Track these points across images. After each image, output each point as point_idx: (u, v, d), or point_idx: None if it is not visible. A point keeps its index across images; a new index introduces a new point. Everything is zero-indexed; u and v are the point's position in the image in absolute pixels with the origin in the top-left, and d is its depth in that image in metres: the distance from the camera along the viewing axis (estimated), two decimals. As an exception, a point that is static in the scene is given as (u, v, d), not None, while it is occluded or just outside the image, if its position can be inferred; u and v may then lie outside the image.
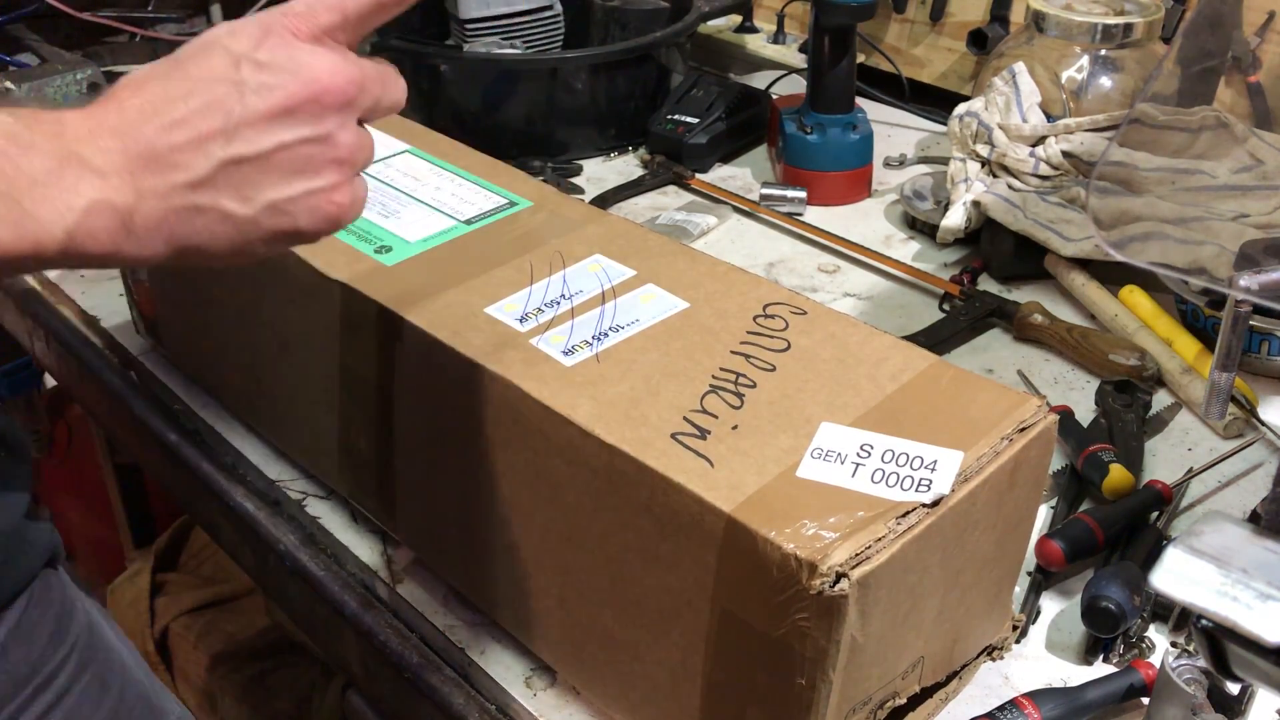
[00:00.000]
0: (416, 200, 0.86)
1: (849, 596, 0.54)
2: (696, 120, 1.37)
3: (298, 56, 0.53)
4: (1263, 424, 0.93)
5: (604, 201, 1.29)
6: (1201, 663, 0.57)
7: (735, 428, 0.63)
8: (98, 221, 0.49)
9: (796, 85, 1.46)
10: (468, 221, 0.83)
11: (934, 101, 1.50)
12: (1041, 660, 0.75)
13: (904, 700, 0.65)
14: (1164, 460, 0.91)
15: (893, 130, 1.46)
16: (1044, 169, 1.17)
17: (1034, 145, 1.18)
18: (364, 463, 0.83)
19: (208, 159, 0.51)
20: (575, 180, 1.36)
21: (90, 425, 1.63)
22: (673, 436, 0.62)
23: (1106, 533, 0.81)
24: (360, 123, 0.56)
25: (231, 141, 0.52)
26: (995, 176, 1.19)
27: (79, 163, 0.49)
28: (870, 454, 0.61)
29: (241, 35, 0.53)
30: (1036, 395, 0.67)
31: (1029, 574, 0.80)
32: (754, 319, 0.72)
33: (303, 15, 0.54)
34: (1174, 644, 0.59)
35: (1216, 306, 0.99)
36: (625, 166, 1.40)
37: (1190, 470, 0.89)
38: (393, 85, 0.57)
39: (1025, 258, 1.13)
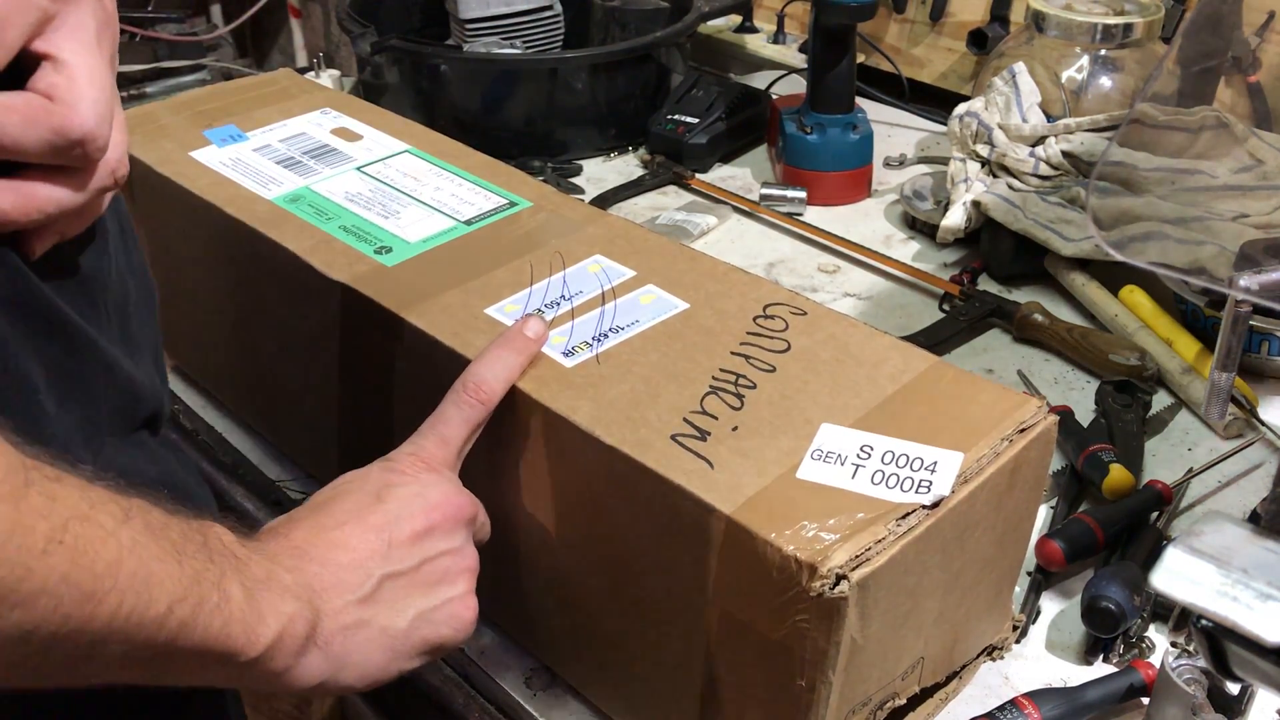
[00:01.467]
0: (416, 201, 0.86)
1: (849, 598, 0.54)
2: (696, 120, 1.37)
3: (426, 484, 0.61)
4: (1263, 424, 0.93)
5: (604, 201, 1.29)
6: (1201, 663, 0.57)
7: (735, 429, 0.63)
8: (297, 629, 0.51)
9: (796, 85, 1.46)
10: (468, 222, 0.83)
11: (934, 101, 1.50)
12: (1041, 660, 0.75)
13: (904, 701, 0.65)
14: (1164, 460, 0.91)
15: (893, 130, 1.46)
16: (1044, 169, 1.17)
17: (1034, 145, 1.18)
18: (364, 463, 0.83)
19: (370, 576, 0.56)
20: (575, 180, 1.36)
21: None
22: (673, 438, 0.62)
23: (1106, 533, 0.81)
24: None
25: (388, 559, 0.57)
26: (995, 176, 1.19)
27: (280, 578, 0.52)
28: (870, 455, 0.61)
29: (372, 476, 0.61)
30: (1036, 395, 0.67)
31: (1029, 574, 0.80)
32: (754, 320, 0.72)
33: (417, 453, 0.62)
34: (1174, 644, 0.59)
35: (1216, 306, 0.99)
36: (625, 166, 1.40)
37: (1190, 470, 0.89)
38: (484, 515, 0.65)
39: (1025, 258, 1.13)
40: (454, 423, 0.64)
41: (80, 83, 0.47)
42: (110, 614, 0.43)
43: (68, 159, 0.48)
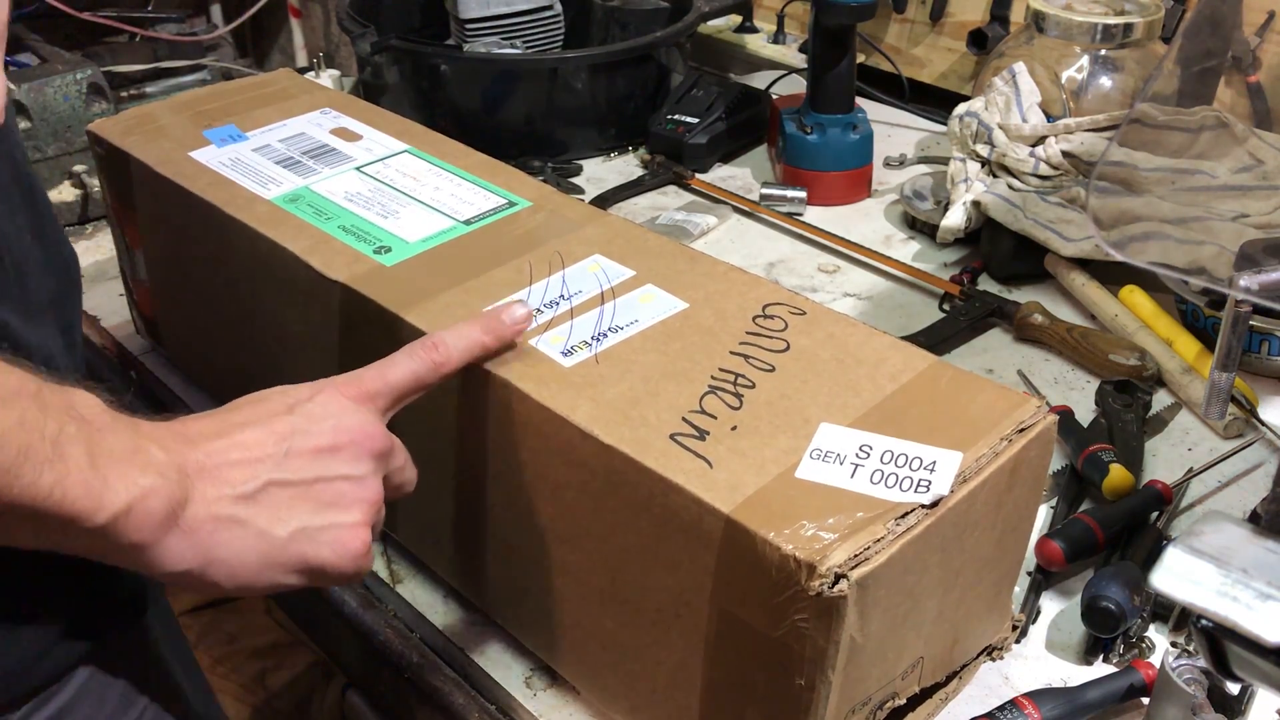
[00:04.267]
0: (416, 200, 0.86)
1: (848, 597, 0.54)
2: (696, 120, 1.37)
3: (347, 408, 0.59)
4: (1263, 424, 0.93)
5: (604, 201, 1.29)
6: (1201, 663, 0.57)
7: (734, 428, 0.63)
8: (152, 505, 0.51)
9: (796, 85, 1.46)
10: (467, 222, 0.83)
11: (934, 101, 1.50)
12: (1041, 660, 0.75)
13: (903, 701, 0.65)
14: (1164, 460, 0.91)
15: (893, 130, 1.45)
16: (1044, 169, 1.17)
17: (1034, 145, 1.18)
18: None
19: (256, 478, 0.55)
20: (575, 180, 1.36)
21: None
22: (672, 437, 0.62)
23: (1106, 533, 0.81)
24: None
25: (280, 467, 0.56)
26: (995, 176, 1.19)
27: (146, 453, 0.52)
28: (869, 455, 0.61)
29: (297, 390, 0.59)
30: (1036, 395, 0.67)
31: (1029, 574, 0.80)
32: (753, 319, 0.72)
33: (350, 381, 0.61)
34: (1174, 644, 0.59)
35: (1216, 306, 0.99)
36: (625, 166, 1.40)
37: (1190, 470, 0.89)
38: (410, 463, 0.64)
39: (1025, 258, 1.13)
40: (399, 368, 0.63)
41: None
42: None
43: None
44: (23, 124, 1.30)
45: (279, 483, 0.56)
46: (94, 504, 0.49)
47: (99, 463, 0.49)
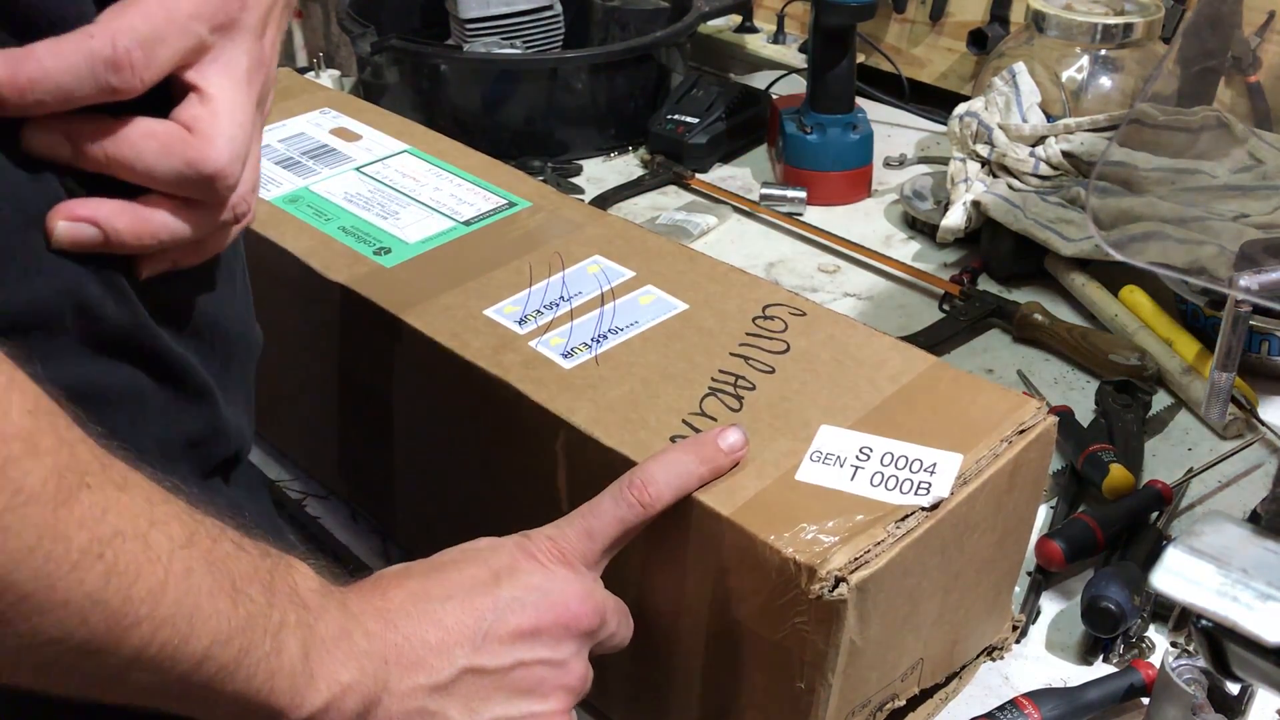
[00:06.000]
0: (416, 201, 0.86)
1: (848, 601, 0.54)
2: (696, 120, 1.37)
3: (553, 578, 0.55)
4: (1263, 424, 0.93)
5: (604, 201, 1.29)
6: (1201, 663, 0.57)
7: (734, 430, 0.63)
8: (349, 703, 0.48)
9: (796, 85, 1.46)
10: (467, 223, 0.83)
11: (934, 101, 1.49)
12: (1041, 660, 0.75)
13: (903, 702, 0.65)
14: (1164, 460, 0.91)
15: (893, 130, 1.45)
16: (1044, 169, 1.17)
17: (1034, 145, 1.18)
18: (363, 464, 0.83)
19: (452, 665, 0.52)
20: (575, 180, 1.36)
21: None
22: (672, 439, 0.62)
23: (1106, 533, 0.81)
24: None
25: (478, 651, 0.52)
26: (995, 176, 1.19)
27: (351, 639, 0.49)
28: (869, 457, 0.61)
29: (502, 551, 0.56)
30: (1036, 396, 0.67)
31: (1029, 574, 0.80)
32: (753, 320, 0.72)
33: (553, 542, 0.57)
34: (1174, 644, 0.59)
35: (1216, 306, 0.99)
36: (625, 166, 1.40)
37: (1190, 470, 0.88)
38: (626, 622, 0.59)
39: (1025, 258, 1.13)
40: (606, 518, 0.58)
41: (222, 118, 0.46)
42: (143, 641, 0.40)
43: (195, 192, 0.47)
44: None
45: (475, 670, 0.52)
46: (296, 700, 0.46)
47: (311, 656, 0.46)
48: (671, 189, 1.34)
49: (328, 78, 1.51)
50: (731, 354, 0.68)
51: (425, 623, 0.52)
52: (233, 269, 0.57)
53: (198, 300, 0.53)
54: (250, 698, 0.44)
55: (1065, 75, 1.23)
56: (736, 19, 1.66)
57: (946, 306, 1.10)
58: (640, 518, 0.58)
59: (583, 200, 1.26)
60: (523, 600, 0.54)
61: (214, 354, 0.55)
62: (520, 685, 0.54)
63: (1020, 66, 1.22)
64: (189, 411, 0.51)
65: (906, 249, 1.22)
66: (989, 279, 1.15)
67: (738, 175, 1.38)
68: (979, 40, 1.44)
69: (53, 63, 0.41)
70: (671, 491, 0.58)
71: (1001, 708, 0.69)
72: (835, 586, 0.54)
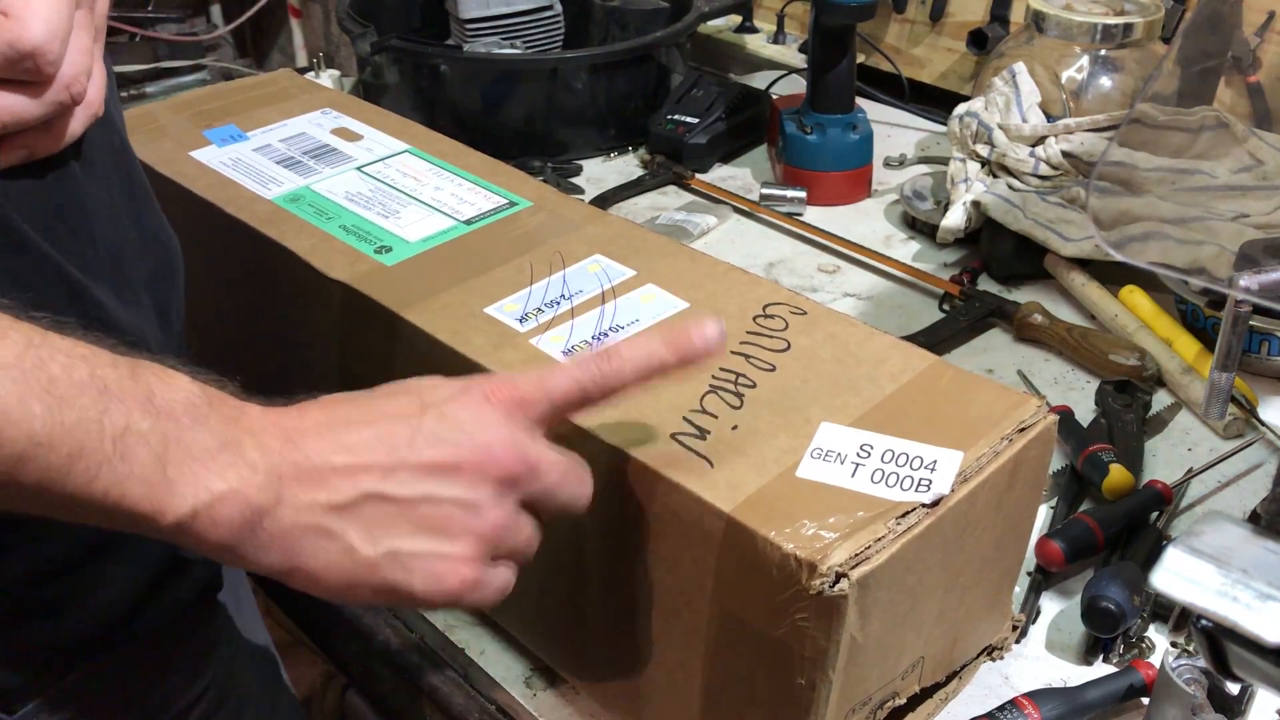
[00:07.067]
0: (416, 200, 0.86)
1: (848, 596, 0.54)
2: (696, 120, 1.37)
3: (482, 421, 0.53)
4: (1263, 424, 0.93)
5: (604, 201, 1.29)
6: (1201, 663, 0.57)
7: (735, 428, 0.63)
8: (226, 511, 0.48)
9: (796, 85, 1.46)
10: (467, 222, 0.83)
11: (934, 101, 1.50)
12: (1041, 660, 0.75)
13: (904, 700, 0.65)
14: (1164, 460, 0.91)
15: (893, 130, 1.46)
16: (1044, 169, 1.17)
17: (1034, 145, 1.18)
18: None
19: (355, 488, 0.51)
20: (575, 180, 1.36)
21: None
22: (672, 436, 0.62)
23: (1106, 533, 0.81)
24: (536, 516, 0.56)
25: (386, 479, 0.51)
26: (995, 176, 1.19)
27: (237, 451, 0.49)
28: (870, 454, 0.61)
29: (442, 387, 0.54)
30: (1036, 395, 0.67)
31: (1029, 574, 0.80)
32: (754, 319, 0.72)
33: (502, 383, 0.55)
34: (1174, 644, 0.59)
35: (1216, 306, 0.99)
36: (625, 166, 1.40)
37: (1190, 470, 0.89)
38: (575, 481, 0.56)
39: (1025, 258, 1.13)
40: (564, 376, 0.56)
41: (35, 1, 0.50)
42: None
43: (19, 72, 0.50)
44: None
45: (380, 496, 0.51)
46: (155, 507, 0.47)
47: (170, 464, 0.47)
48: (671, 189, 1.34)
49: (328, 78, 1.51)
50: (733, 352, 0.69)
51: (333, 445, 0.51)
52: (109, 175, 0.61)
53: (63, 197, 0.56)
54: (100, 501, 0.46)
55: (1065, 75, 1.23)
56: (736, 19, 1.66)
57: (946, 306, 1.10)
58: (598, 385, 0.56)
59: (583, 200, 1.26)
60: (443, 436, 0.52)
61: (97, 256, 0.58)
62: (427, 521, 0.52)
63: (1020, 66, 1.22)
64: (65, 312, 0.52)
65: (906, 249, 1.22)
66: (989, 279, 1.15)
67: (738, 175, 1.38)
68: (979, 40, 1.44)
69: None
70: (633, 368, 0.56)
71: (1001, 708, 0.69)
72: (836, 582, 0.54)
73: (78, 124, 0.56)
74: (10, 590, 0.58)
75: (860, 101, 1.32)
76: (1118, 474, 0.84)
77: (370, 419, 0.53)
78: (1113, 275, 1.08)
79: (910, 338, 0.98)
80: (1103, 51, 1.23)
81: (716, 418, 0.63)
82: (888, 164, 1.38)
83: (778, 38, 1.63)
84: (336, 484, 0.51)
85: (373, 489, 0.51)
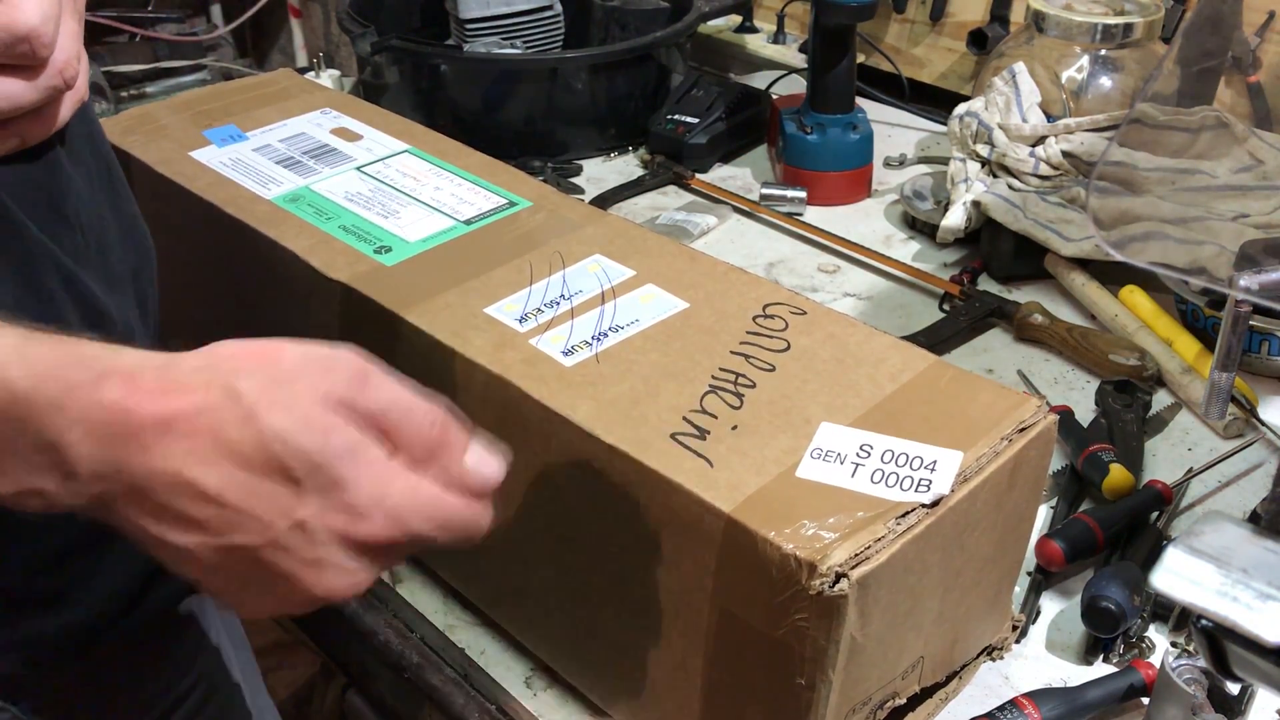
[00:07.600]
0: (416, 200, 0.86)
1: (848, 597, 0.54)
2: (696, 120, 1.37)
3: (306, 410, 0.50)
4: (1263, 424, 0.93)
5: (604, 201, 1.29)
6: (1201, 663, 0.56)
7: (735, 428, 0.63)
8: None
9: (796, 85, 1.46)
10: (467, 222, 0.83)
11: (934, 101, 1.50)
12: (1041, 660, 0.75)
13: (904, 700, 0.65)
14: (1164, 460, 0.91)
15: (893, 130, 1.45)
16: (1044, 169, 1.17)
17: (1034, 145, 1.18)
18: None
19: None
20: (575, 180, 1.36)
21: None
22: (672, 437, 0.62)
23: (1106, 533, 0.81)
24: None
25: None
26: (995, 176, 1.19)
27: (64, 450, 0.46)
28: (870, 454, 0.61)
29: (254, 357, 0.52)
30: (1036, 395, 0.67)
31: (1029, 574, 0.80)
32: (753, 319, 0.72)
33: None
34: (1174, 644, 0.59)
35: (1216, 306, 0.99)
36: (625, 166, 1.40)
37: (1190, 470, 0.89)
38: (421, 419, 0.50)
39: (1025, 258, 1.13)
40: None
41: None
42: None
43: (14, 56, 0.51)
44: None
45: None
46: None
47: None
48: (671, 189, 1.34)
49: (328, 78, 1.51)
50: (732, 352, 0.69)
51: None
52: (89, 163, 0.61)
53: (52, 185, 0.57)
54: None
55: (1065, 75, 1.23)
56: (736, 19, 1.66)
57: (946, 306, 1.10)
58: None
59: (583, 200, 1.26)
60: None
61: (86, 244, 0.59)
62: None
63: (1020, 66, 1.22)
64: (61, 300, 0.53)
65: (906, 249, 1.22)
66: (989, 279, 1.15)
67: (738, 175, 1.38)
68: (979, 40, 1.44)
69: None
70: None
71: (1001, 708, 0.69)
72: (836, 582, 0.54)
73: (66, 110, 0.56)
74: (8, 581, 0.58)
75: (860, 101, 1.32)
76: (1118, 474, 0.84)
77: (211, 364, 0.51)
78: (1113, 275, 1.08)
79: (910, 338, 0.98)
80: (1103, 51, 1.23)
81: (716, 418, 0.63)
82: (888, 164, 1.37)
83: (778, 38, 1.63)
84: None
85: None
